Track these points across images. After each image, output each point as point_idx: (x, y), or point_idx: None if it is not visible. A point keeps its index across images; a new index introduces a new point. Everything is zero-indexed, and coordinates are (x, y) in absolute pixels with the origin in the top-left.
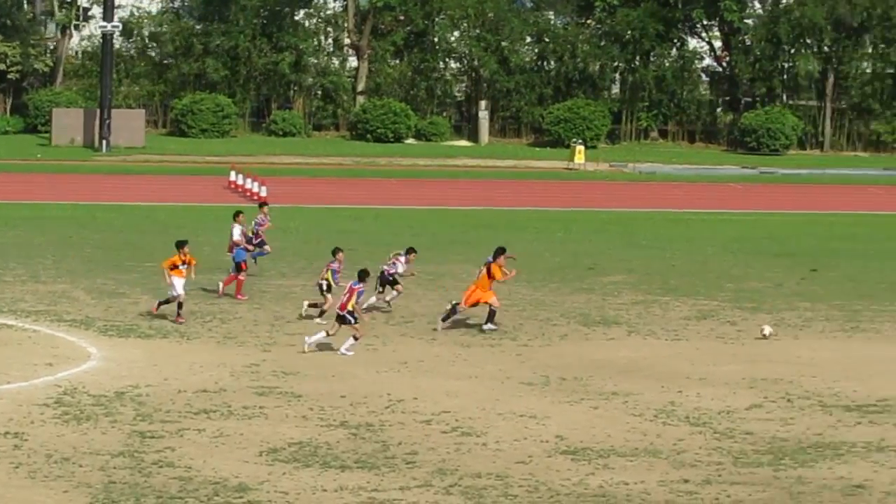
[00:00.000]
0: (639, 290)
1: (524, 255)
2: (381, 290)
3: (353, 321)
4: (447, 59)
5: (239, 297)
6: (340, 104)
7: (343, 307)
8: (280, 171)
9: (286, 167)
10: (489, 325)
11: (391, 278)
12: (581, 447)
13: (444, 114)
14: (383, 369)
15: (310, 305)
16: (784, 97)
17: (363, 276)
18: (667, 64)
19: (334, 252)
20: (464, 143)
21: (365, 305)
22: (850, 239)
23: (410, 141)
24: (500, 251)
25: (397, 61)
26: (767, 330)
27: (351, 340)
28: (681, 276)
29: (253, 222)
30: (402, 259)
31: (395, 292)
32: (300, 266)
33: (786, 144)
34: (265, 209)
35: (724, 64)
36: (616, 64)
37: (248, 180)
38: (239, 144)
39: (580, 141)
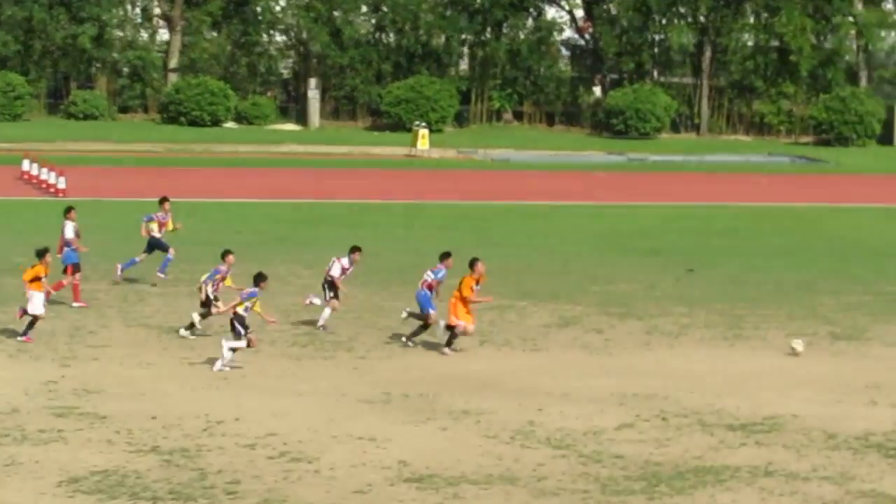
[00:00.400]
0: (492, 293)
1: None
2: (331, 294)
3: (242, 329)
4: (272, 32)
5: (78, 302)
6: (150, 83)
7: (234, 311)
8: (81, 159)
9: (88, 155)
10: (447, 350)
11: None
12: (427, 474)
13: (269, 94)
14: (200, 386)
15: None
16: (655, 74)
17: (258, 280)
18: (522, 36)
19: (224, 255)
20: (291, 126)
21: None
22: (731, 234)
23: (230, 125)
24: (475, 261)
25: (215, 34)
26: (800, 347)
27: (240, 344)
28: (539, 277)
29: (152, 217)
30: (345, 260)
31: (327, 308)
32: (105, 268)
33: (657, 127)
34: (167, 205)
35: (587, 36)
36: (464, 36)
37: (45, 170)
38: (33, 129)
39: (423, 124)
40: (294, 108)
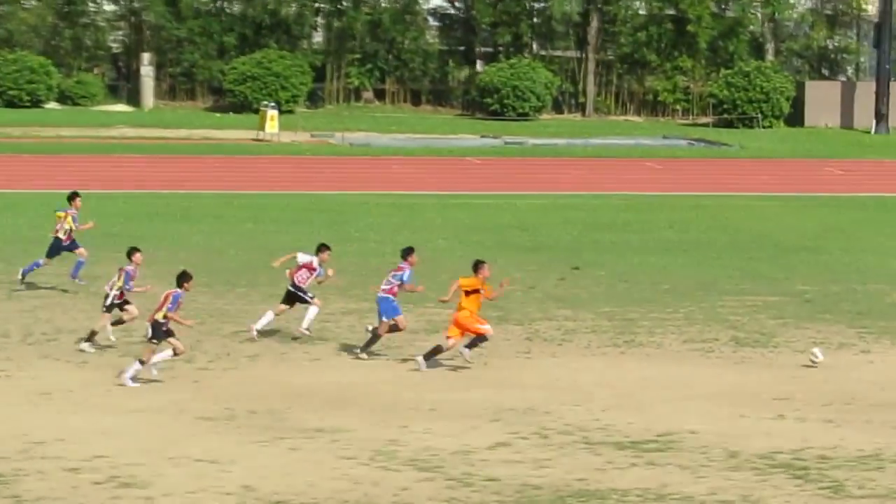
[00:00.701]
0: (350, 295)
1: (202, 251)
2: (288, 306)
3: (155, 339)
4: (99, 0)
5: None
6: None
7: (152, 318)
8: None
9: None
10: (468, 351)
11: (299, 290)
12: (276, 500)
13: (97, 71)
14: (18, 402)
15: (112, 324)
16: (534, 47)
17: (181, 280)
18: (383, 5)
19: (130, 253)
20: (122, 107)
21: (259, 325)
22: (622, 227)
23: (52, 105)
24: (480, 263)
25: (34, 2)
26: (820, 356)
27: (168, 353)
28: None
29: (69, 218)
30: (314, 260)
31: (311, 309)
32: None
33: (537, 107)
34: (77, 202)
35: (458, 4)
36: (318, 5)
37: None
38: None
39: (272, 104)
40: (125, 86)
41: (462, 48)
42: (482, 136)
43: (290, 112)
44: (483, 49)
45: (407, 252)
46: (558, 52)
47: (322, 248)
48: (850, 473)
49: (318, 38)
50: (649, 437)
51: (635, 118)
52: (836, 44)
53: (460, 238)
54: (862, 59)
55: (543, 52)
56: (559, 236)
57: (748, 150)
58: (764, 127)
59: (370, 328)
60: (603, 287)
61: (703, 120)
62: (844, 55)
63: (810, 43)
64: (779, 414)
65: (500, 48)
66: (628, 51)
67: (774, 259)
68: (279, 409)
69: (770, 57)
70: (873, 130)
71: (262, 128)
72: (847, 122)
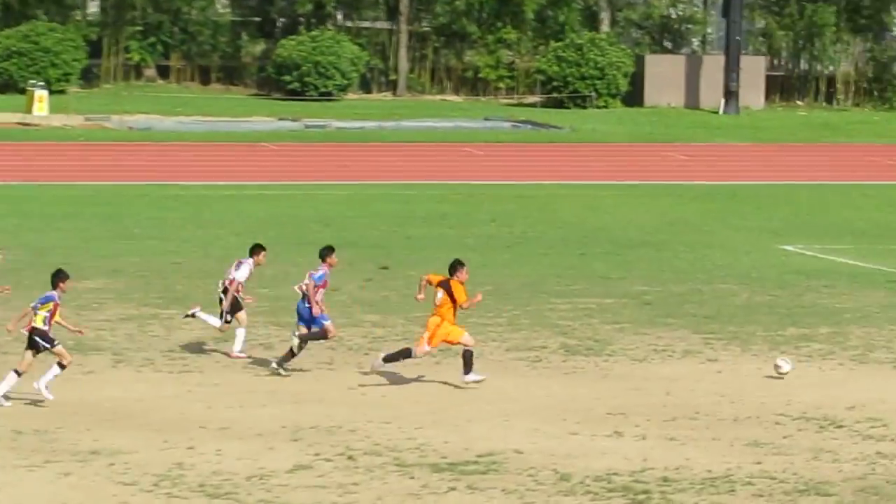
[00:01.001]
0: (129, 300)
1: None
2: (229, 318)
3: (47, 345)
4: None
5: None
6: None
7: (30, 326)
8: None
9: None
10: (472, 377)
11: (237, 298)
12: None
13: None
14: None
15: None
16: (339, 17)
17: (56, 279)
18: None
19: None
20: None
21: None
22: (438, 221)
23: None
24: (458, 265)
25: None
26: (786, 366)
27: (55, 370)
28: (189, 278)
29: None
30: (248, 262)
31: (238, 322)
32: None
33: (342, 86)
34: None
35: None
36: None
37: None
38: None
39: (41, 83)
40: None
41: (257, 19)
42: (279, 119)
43: (62, 92)
44: (281, 20)
45: (326, 251)
46: (366, 24)
47: (256, 248)
48: (697, 497)
49: (93, 8)
50: (469, 457)
51: (453, 97)
52: (679, 13)
53: (252, 233)
54: (709, 31)
55: (349, 24)
56: (366, 232)
57: (581, 133)
58: (598, 107)
59: (296, 337)
60: (416, 289)
61: (530, 99)
62: (689, 26)
63: (651, 12)
64: (615, 430)
65: (301, 19)
66: (445, 21)
67: (610, 256)
68: (48, 428)
69: (605, 28)
70: (721, 110)
71: (29, 110)
72: (692, 100)
